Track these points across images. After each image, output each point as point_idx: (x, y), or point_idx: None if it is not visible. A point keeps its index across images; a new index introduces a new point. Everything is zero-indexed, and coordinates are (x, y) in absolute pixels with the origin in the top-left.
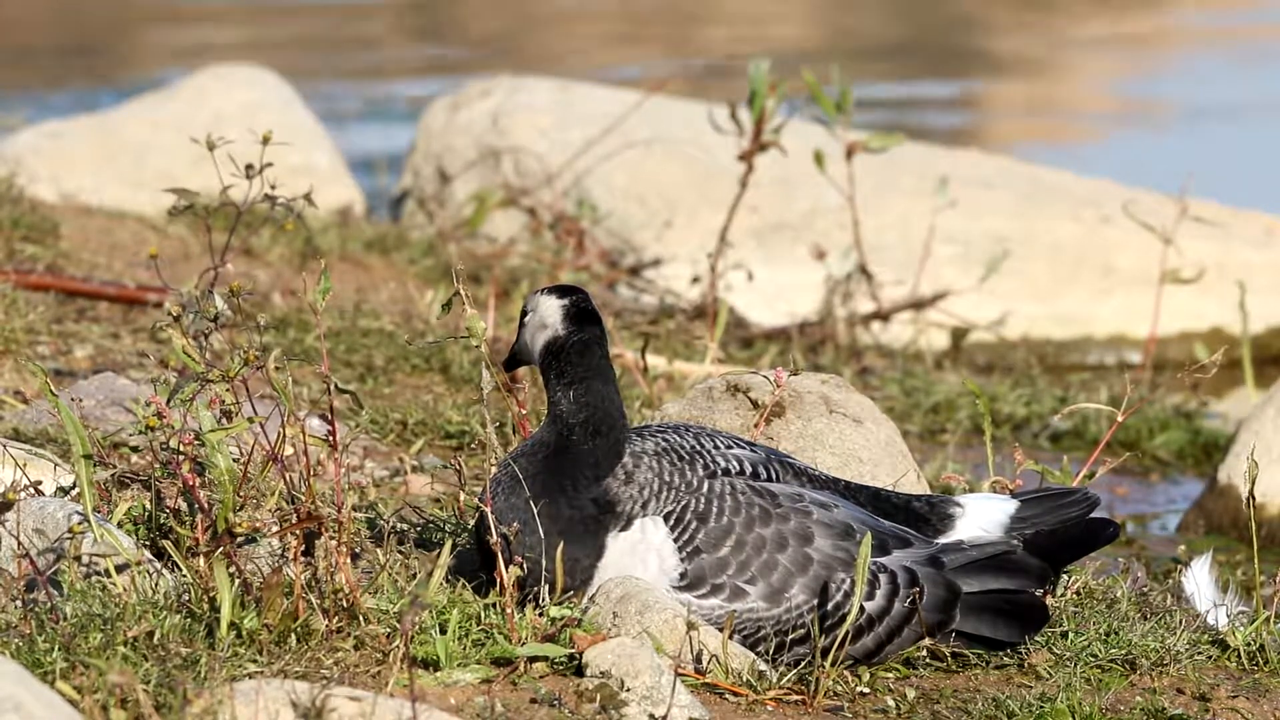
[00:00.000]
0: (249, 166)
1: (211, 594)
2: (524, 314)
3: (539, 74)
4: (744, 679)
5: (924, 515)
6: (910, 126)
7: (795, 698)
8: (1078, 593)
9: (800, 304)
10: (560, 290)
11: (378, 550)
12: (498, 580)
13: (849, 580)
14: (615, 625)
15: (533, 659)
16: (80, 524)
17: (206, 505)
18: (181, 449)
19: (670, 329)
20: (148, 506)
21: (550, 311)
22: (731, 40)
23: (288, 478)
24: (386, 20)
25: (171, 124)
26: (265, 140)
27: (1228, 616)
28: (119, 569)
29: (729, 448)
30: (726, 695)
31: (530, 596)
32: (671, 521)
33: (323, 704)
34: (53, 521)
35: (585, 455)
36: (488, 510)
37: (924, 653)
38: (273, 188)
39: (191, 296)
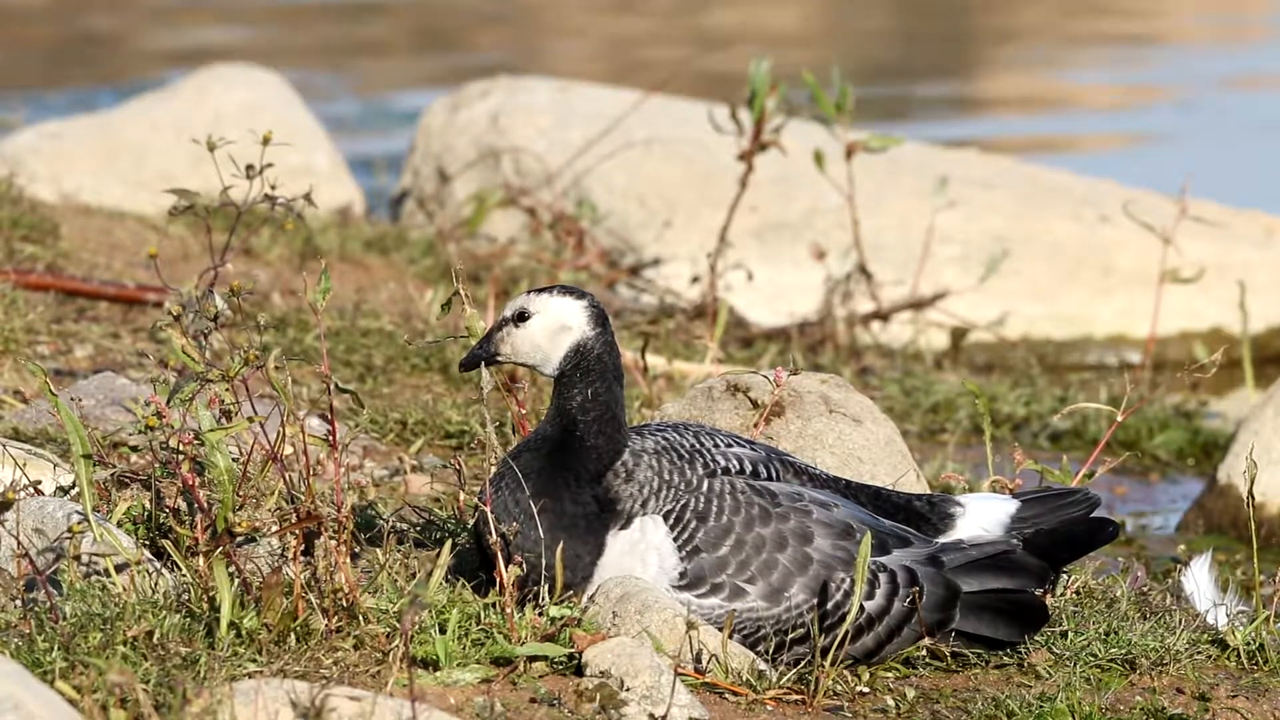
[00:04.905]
0: (249, 167)
1: (211, 594)
2: (521, 316)
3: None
4: (744, 678)
5: (924, 514)
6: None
7: (795, 697)
8: (1077, 592)
9: (800, 304)
10: (573, 292)
11: (377, 550)
12: (497, 580)
13: (849, 580)
14: (615, 625)
15: (532, 659)
16: (80, 523)
17: (206, 505)
18: (181, 449)
19: (670, 329)
20: (147, 506)
21: (573, 313)
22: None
23: (287, 477)
24: (388, 22)
25: (171, 124)
26: (265, 141)
27: (1227, 616)
28: (119, 568)
29: (729, 446)
30: (726, 695)
31: (530, 595)
32: (671, 520)
33: (322, 704)
34: (52, 521)
35: (588, 451)
36: (488, 510)
37: (924, 652)
38: (273, 188)
39: (191, 296)
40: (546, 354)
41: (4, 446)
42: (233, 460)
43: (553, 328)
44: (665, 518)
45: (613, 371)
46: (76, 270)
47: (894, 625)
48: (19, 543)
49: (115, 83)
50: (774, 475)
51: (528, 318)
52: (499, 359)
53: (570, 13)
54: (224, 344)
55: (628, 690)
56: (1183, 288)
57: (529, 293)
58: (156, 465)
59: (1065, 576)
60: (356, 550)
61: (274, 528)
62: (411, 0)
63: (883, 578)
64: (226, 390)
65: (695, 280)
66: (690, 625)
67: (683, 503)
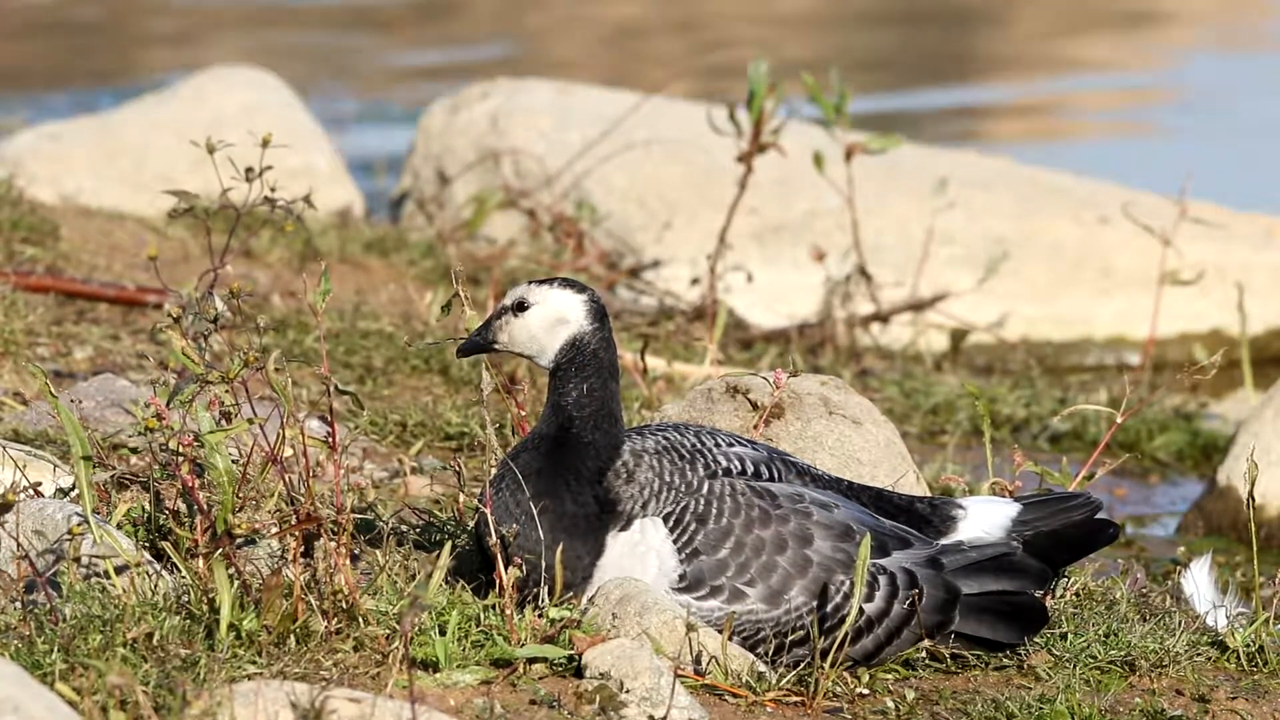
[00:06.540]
0: (249, 169)
1: (211, 595)
2: (521, 306)
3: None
4: (743, 680)
5: (926, 517)
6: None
7: (795, 699)
8: (1077, 594)
9: (800, 305)
10: (574, 285)
11: (377, 552)
12: (497, 581)
13: (848, 582)
14: (615, 626)
15: (532, 660)
16: (80, 525)
17: (206, 507)
18: (181, 450)
19: (670, 330)
20: (147, 508)
21: (571, 307)
22: (733, 46)
23: (287, 479)
24: (388, 23)
25: (171, 125)
26: (265, 143)
27: (1227, 618)
28: (118, 570)
29: (730, 446)
30: (726, 697)
31: (530, 596)
32: (671, 523)
33: (322, 705)
34: (52, 523)
35: (586, 448)
36: (488, 512)
37: (923, 654)
38: (272, 190)
39: (191, 298)
40: (543, 345)
41: (4, 448)
42: (232, 462)
43: (550, 320)
44: (665, 520)
45: (608, 367)
46: (76, 272)
47: (894, 627)
48: (19, 544)
49: (115, 84)
50: (776, 476)
51: (527, 308)
52: (496, 347)
53: (571, 12)
54: (224, 346)
55: (627, 692)
56: (1182, 289)
57: (530, 283)
58: (156, 467)
59: (1065, 578)
60: (356, 552)
61: (274, 529)
62: (412, 2)
63: (882, 580)
64: (226, 392)
65: (695, 282)
66: (690, 627)
67: (683, 505)
